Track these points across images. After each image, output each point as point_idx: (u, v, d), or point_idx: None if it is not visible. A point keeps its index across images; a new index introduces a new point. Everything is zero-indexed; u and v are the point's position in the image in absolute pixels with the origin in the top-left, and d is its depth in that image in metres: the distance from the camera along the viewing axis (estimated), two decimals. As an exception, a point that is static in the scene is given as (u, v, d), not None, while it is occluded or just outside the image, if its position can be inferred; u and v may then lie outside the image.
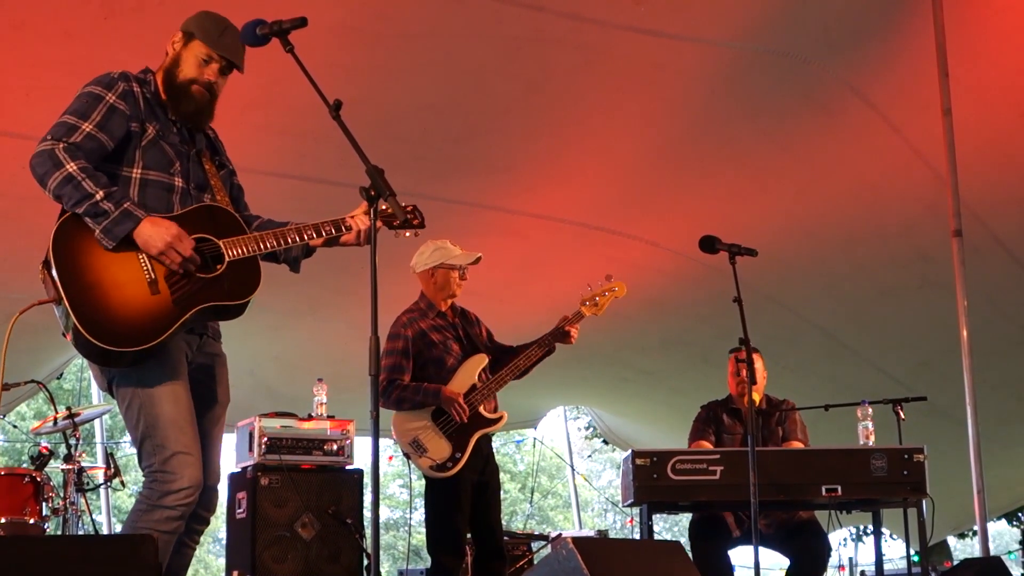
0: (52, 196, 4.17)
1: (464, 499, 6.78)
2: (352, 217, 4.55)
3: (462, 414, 6.71)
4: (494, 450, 7.20)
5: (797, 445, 7.90)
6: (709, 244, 6.50)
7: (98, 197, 4.09)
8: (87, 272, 4.14)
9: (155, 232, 4.14)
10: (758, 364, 8.01)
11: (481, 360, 6.97)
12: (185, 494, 4.18)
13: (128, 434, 4.33)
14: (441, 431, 6.76)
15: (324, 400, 8.27)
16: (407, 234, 4.75)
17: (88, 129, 4.22)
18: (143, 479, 4.24)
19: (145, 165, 4.35)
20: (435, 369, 6.90)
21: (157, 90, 4.48)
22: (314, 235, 4.50)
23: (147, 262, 4.19)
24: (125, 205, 4.13)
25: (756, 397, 7.74)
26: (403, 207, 4.52)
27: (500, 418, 6.93)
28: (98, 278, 4.14)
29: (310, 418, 8.09)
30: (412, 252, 7.03)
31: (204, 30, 4.46)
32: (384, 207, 4.37)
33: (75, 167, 4.11)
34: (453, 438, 6.75)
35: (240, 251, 4.32)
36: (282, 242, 4.42)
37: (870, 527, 8.68)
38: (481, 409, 6.83)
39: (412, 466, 6.94)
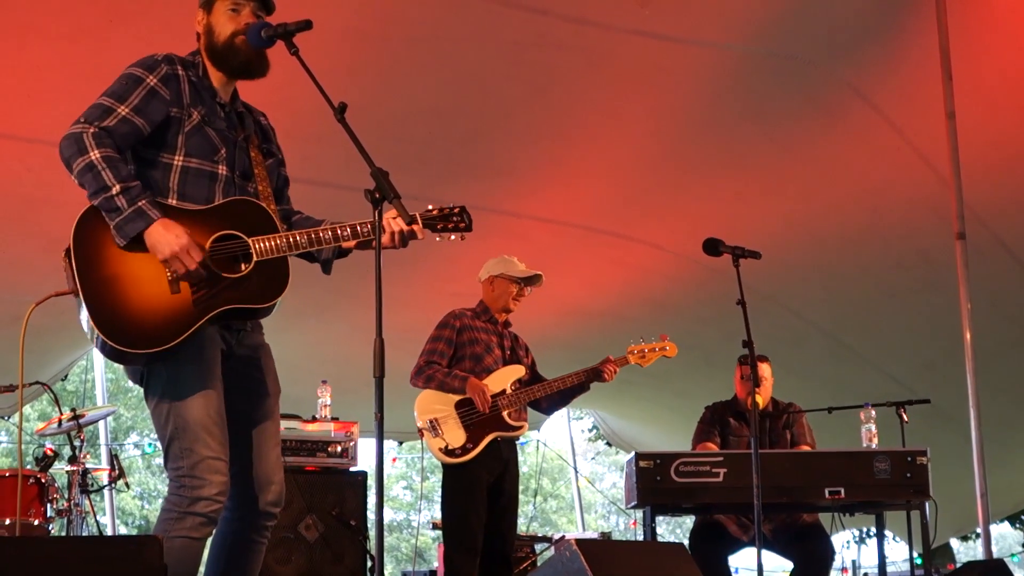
0: (77, 182, 4.04)
1: (479, 499, 6.87)
2: (391, 219, 4.32)
3: (483, 404, 6.82)
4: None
5: (806, 449, 7.90)
6: (713, 247, 6.51)
7: (114, 191, 3.95)
8: (107, 265, 4.01)
9: (164, 237, 3.98)
10: (766, 371, 8.04)
11: (518, 370, 7.14)
12: (214, 500, 4.08)
13: (155, 432, 4.26)
14: (460, 421, 6.89)
15: (328, 402, 8.30)
16: (452, 237, 4.55)
17: (124, 112, 4.09)
18: (169, 482, 4.14)
19: (187, 152, 4.22)
20: (472, 364, 7.05)
21: (205, 72, 4.36)
22: (348, 235, 4.31)
23: None
24: (140, 203, 3.98)
25: (760, 400, 7.74)
26: (434, 208, 4.51)
27: (520, 427, 7.04)
28: (117, 272, 4.01)
29: (314, 420, 8.11)
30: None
31: None
32: (433, 211, 4.38)
33: (99, 155, 3.98)
34: (469, 430, 6.87)
35: (269, 250, 4.17)
36: (315, 241, 4.27)
37: (873, 529, 8.69)
38: (504, 414, 6.93)
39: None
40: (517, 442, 7.21)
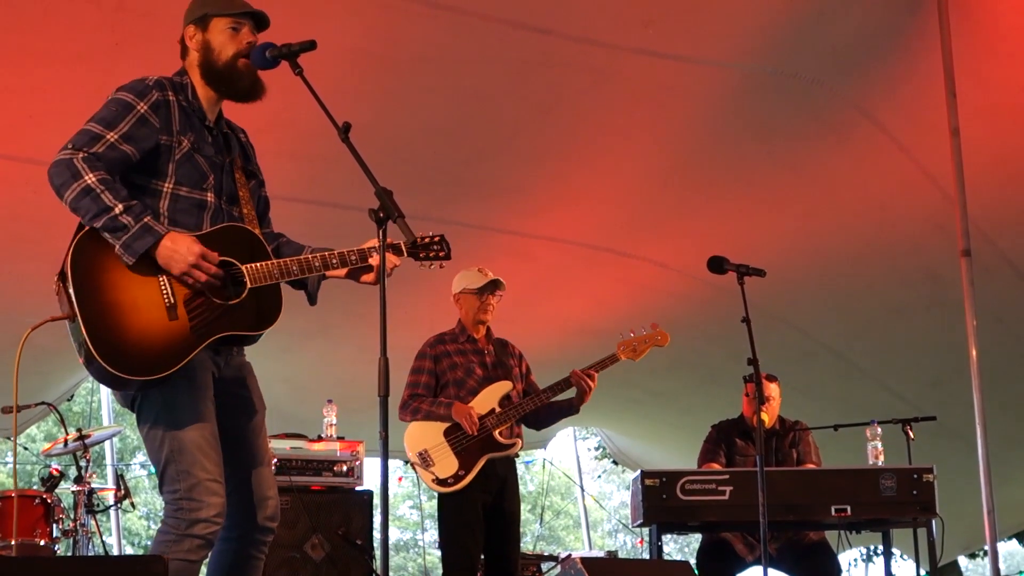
0: (70, 208, 3.99)
1: (474, 520, 6.81)
2: (374, 254, 4.35)
3: (472, 426, 6.75)
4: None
5: (812, 467, 7.90)
6: (717, 265, 6.52)
7: (117, 211, 3.93)
8: (105, 291, 3.99)
9: (177, 249, 3.98)
10: (774, 390, 8.04)
11: (504, 387, 7.03)
12: (212, 522, 4.07)
13: (148, 456, 4.23)
14: (451, 448, 6.82)
15: (334, 421, 8.31)
16: (432, 265, 4.64)
17: (112, 139, 4.04)
18: (166, 504, 4.12)
19: (177, 180, 4.19)
20: (456, 389, 6.99)
21: (195, 93, 4.31)
22: (337, 263, 4.33)
23: (167, 285, 4.04)
24: (145, 219, 3.96)
25: (766, 419, 7.74)
26: (420, 236, 4.53)
27: (513, 444, 6.94)
28: (116, 298, 3.99)
29: (320, 439, 8.11)
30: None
31: (212, 4, 4.32)
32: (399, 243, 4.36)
33: (94, 178, 3.94)
34: (461, 456, 6.80)
35: (263, 278, 4.17)
36: (306, 269, 4.27)
37: (880, 547, 8.68)
38: (496, 434, 6.87)
39: (422, 487, 6.97)
40: (517, 459, 7.16)
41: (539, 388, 7.19)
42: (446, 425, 6.85)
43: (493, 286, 7.13)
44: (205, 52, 4.32)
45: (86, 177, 3.95)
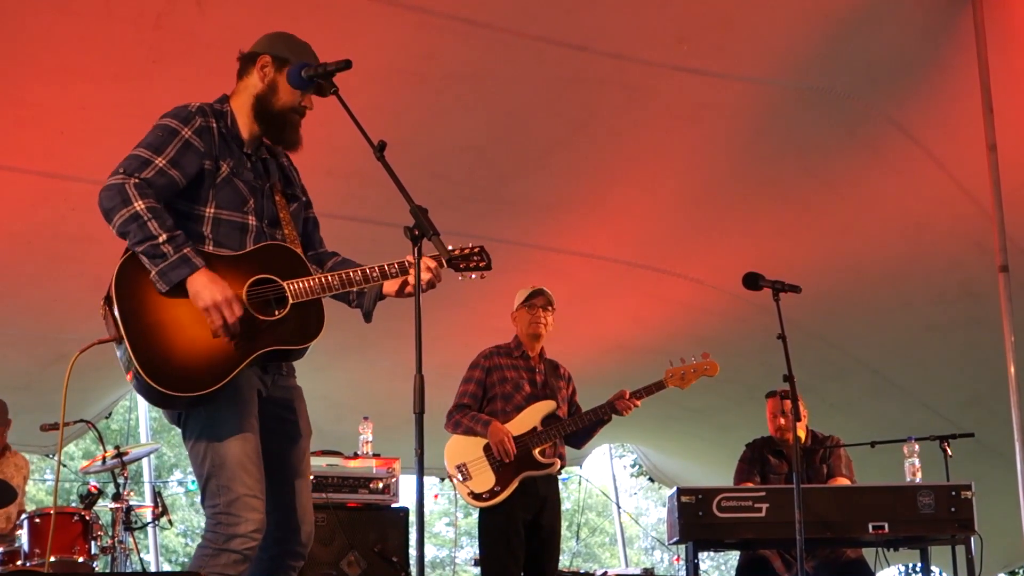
0: (117, 232, 4.07)
1: (513, 537, 6.83)
2: (412, 266, 4.36)
3: (503, 451, 6.76)
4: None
5: (842, 480, 7.87)
6: (753, 281, 6.51)
7: (160, 240, 3.99)
8: (150, 311, 4.05)
9: (207, 288, 4.03)
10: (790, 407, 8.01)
11: (548, 406, 7.05)
12: (250, 537, 4.10)
13: (192, 470, 4.26)
14: (489, 463, 6.87)
15: (370, 438, 8.32)
16: (472, 276, 4.64)
17: (161, 164, 4.11)
18: (206, 519, 4.17)
19: (218, 204, 4.26)
20: (503, 403, 7.03)
21: (234, 122, 4.38)
22: (377, 275, 4.37)
23: None
24: (185, 251, 4.03)
25: (802, 434, 7.71)
26: (455, 248, 4.53)
27: (551, 464, 6.96)
28: (160, 318, 4.05)
29: (356, 456, 8.12)
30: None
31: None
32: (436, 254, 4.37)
33: (143, 206, 4.01)
34: (498, 472, 6.84)
35: (303, 292, 4.23)
36: (346, 282, 4.31)
37: (919, 565, 8.63)
38: (536, 452, 6.88)
39: (459, 504, 6.99)
40: (559, 478, 7.17)
41: (583, 411, 7.21)
42: (486, 440, 6.89)
43: (537, 293, 7.16)
44: (270, 89, 4.38)
45: (135, 204, 4.03)
